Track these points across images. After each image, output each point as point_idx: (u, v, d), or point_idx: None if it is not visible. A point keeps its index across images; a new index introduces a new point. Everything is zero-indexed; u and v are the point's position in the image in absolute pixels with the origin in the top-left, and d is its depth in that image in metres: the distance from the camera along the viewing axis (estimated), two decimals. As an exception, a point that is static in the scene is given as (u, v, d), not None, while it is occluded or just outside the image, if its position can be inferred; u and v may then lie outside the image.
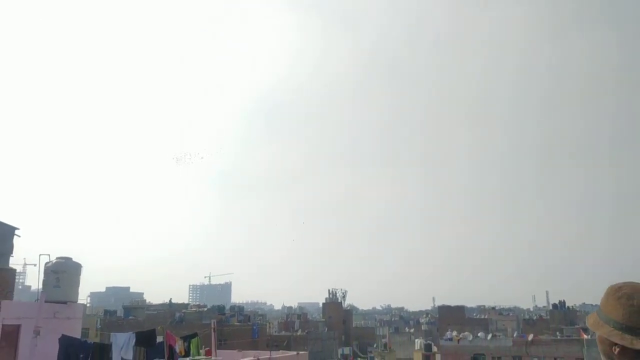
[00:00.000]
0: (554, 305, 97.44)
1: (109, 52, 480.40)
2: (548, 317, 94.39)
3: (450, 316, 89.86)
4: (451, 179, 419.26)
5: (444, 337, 59.58)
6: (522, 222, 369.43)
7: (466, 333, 58.79)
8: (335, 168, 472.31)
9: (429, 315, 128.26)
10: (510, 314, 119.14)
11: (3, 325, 14.93)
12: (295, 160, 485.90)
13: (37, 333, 13.80)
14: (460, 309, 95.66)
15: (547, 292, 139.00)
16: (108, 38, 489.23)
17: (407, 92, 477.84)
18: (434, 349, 64.11)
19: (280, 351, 27.42)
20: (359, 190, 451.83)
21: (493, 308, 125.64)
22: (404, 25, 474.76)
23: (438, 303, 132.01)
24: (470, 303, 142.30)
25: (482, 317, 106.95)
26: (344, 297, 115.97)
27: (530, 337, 56.07)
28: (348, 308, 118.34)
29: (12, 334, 15.32)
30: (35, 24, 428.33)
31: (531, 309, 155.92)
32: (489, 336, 57.86)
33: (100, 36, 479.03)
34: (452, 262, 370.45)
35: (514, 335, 65.17)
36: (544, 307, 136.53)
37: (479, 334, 58.37)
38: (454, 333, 59.45)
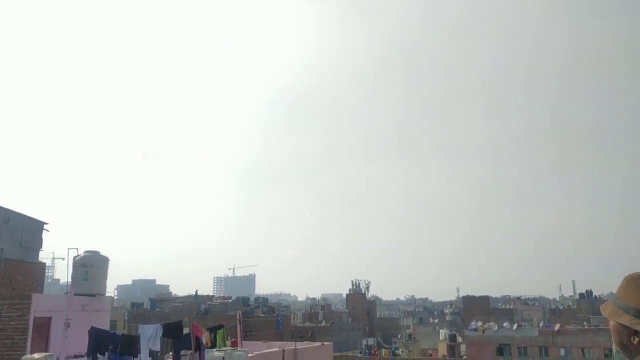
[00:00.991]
0: (581, 295, 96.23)
1: (140, 48, 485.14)
2: (575, 307, 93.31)
3: (474, 306, 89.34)
4: (473, 167, 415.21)
5: (469, 328, 59.28)
6: (547, 211, 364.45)
7: (491, 323, 58.42)
8: (356, 159, 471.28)
9: (454, 306, 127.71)
10: (536, 304, 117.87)
11: (35, 318, 15.28)
12: (317, 151, 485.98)
13: (67, 325, 14.06)
14: (485, 299, 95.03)
15: (573, 282, 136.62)
16: (134, 36, 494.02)
17: (425, 81, 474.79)
18: (459, 339, 63.92)
19: (305, 342, 27.56)
20: (381, 181, 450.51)
21: (518, 298, 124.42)
22: (420, 14, 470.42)
23: (462, 293, 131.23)
24: (495, 293, 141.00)
25: (508, 307, 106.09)
26: (367, 288, 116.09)
27: (557, 327, 55.49)
28: (372, 299, 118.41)
29: (43, 326, 15.68)
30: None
31: (557, 299, 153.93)
32: (515, 326, 57.40)
33: (131, 35, 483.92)
34: (476, 252, 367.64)
35: (540, 325, 64.61)
36: (571, 297, 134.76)
37: (504, 325, 57.94)
38: (479, 323, 59.13)
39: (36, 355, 12.03)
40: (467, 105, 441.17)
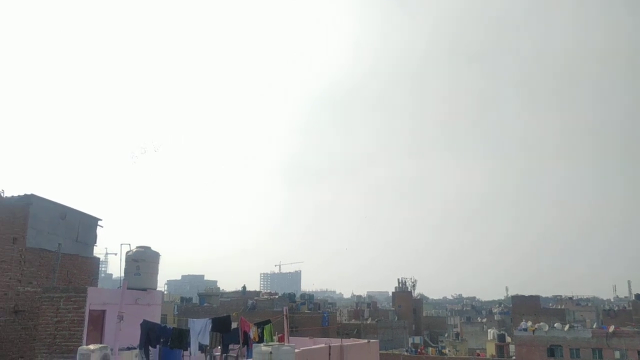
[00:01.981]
0: (637, 296, 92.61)
1: (194, 47, 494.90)
2: (631, 308, 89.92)
3: (524, 306, 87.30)
4: (519, 162, 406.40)
5: (519, 328, 57.97)
6: (601, 210, 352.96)
7: (542, 324, 56.95)
8: (400, 155, 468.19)
9: (502, 305, 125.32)
10: (589, 305, 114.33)
11: (90, 310, 15.79)
12: (361, 147, 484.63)
13: (120, 318, 14.49)
14: (535, 298, 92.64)
15: (629, 282, 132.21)
16: (184, 30, 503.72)
17: (466, 75, 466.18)
18: (508, 339, 62.60)
19: (351, 339, 27.55)
20: (425, 177, 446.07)
21: (570, 298, 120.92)
22: (461, 6, 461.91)
23: (511, 293, 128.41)
24: (545, 293, 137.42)
25: (559, 307, 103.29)
26: (413, 286, 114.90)
27: (612, 328, 53.62)
28: (418, 297, 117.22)
29: (98, 318, 16.19)
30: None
31: (612, 300, 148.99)
32: (566, 327, 55.80)
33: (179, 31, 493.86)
34: (526, 251, 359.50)
35: (593, 326, 62.57)
36: (626, 297, 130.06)
37: (555, 325, 56.40)
38: (529, 323, 57.76)
39: (91, 346, 12.42)
40: (508, 99, 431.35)
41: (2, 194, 18.53)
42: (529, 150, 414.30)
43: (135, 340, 15.40)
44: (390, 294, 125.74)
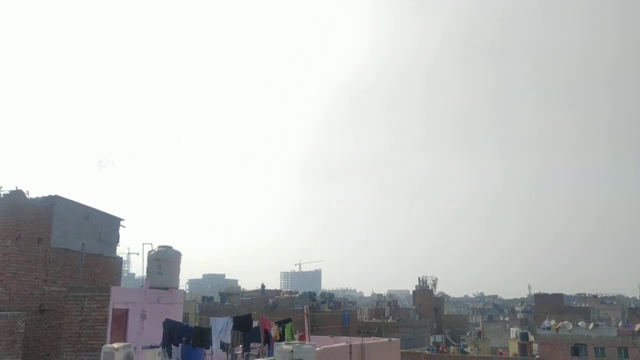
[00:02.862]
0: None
1: (208, 45, 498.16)
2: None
3: (547, 304, 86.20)
4: (541, 161, 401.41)
5: (542, 326, 57.25)
6: (624, 206, 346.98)
7: (565, 322, 56.18)
8: (417, 152, 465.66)
9: (525, 304, 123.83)
10: (614, 303, 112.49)
11: (114, 309, 16.00)
12: (380, 144, 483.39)
13: (143, 317, 14.64)
14: (558, 297, 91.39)
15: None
16: (198, 31, 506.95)
17: (482, 71, 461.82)
18: (531, 338, 61.88)
19: (372, 337, 27.49)
20: (443, 174, 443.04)
21: (594, 296, 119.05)
22: (476, 3, 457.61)
23: (534, 291, 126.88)
24: (568, 291, 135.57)
25: (582, 305, 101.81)
26: (434, 284, 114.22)
27: (638, 327, 52.70)
28: (439, 296, 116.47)
29: (121, 317, 16.39)
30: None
31: (637, 298, 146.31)
32: (591, 325, 54.97)
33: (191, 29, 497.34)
34: (548, 248, 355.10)
35: (619, 325, 61.55)
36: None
37: (579, 323, 55.60)
38: (552, 322, 57.04)
39: (115, 345, 12.58)
40: (523, 96, 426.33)
41: (27, 196, 18.83)
42: (546, 147, 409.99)
43: (158, 339, 15.55)
44: (411, 292, 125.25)
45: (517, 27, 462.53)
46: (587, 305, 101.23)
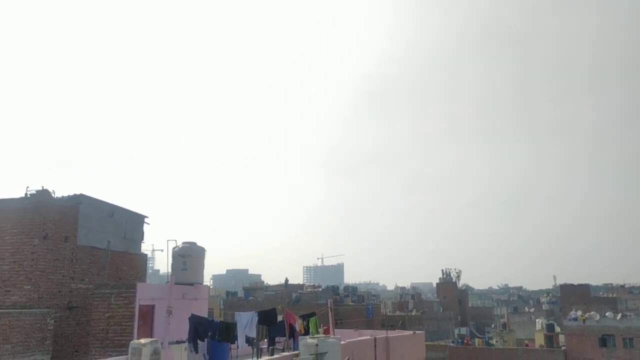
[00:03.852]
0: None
1: (226, 42, 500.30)
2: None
3: (573, 295, 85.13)
4: (560, 149, 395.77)
5: (568, 317, 56.55)
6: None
7: (592, 313, 55.42)
8: (437, 143, 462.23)
9: (550, 295, 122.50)
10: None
11: (140, 305, 16.17)
12: (400, 136, 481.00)
13: (169, 312, 14.79)
14: (585, 287, 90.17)
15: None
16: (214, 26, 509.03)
17: (500, 60, 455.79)
18: (557, 329, 61.16)
19: (396, 330, 27.44)
20: (466, 165, 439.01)
21: (622, 286, 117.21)
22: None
23: (559, 282, 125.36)
24: (595, 281, 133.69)
25: (610, 295, 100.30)
26: (458, 276, 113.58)
27: (667, 317, 51.83)
28: (463, 288, 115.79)
29: (147, 313, 16.57)
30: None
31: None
32: (619, 316, 54.14)
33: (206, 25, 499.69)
34: (573, 238, 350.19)
35: (648, 315, 60.51)
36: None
37: (606, 314, 54.79)
38: (579, 313, 56.29)
39: (142, 340, 12.71)
40: (542, 85, 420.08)
41: (53, 195, 19.13)
42: (565, 134, 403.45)
43: (184, 334, 15.69)
44: (435, 285, 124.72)
45: (533, 16, 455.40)
46: (614, 295, 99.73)
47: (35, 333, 16.62)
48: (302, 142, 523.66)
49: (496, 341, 70.14)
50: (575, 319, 54.35)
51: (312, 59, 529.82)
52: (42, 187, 18.75)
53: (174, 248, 18.23)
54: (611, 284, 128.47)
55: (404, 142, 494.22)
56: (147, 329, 16.36)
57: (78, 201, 19.67)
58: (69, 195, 19.72)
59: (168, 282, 16.83)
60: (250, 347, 17.87)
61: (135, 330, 15.82)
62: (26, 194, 18.68)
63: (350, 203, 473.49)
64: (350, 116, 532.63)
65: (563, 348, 55.22)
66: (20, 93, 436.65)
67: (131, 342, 12.92)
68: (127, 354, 12.65)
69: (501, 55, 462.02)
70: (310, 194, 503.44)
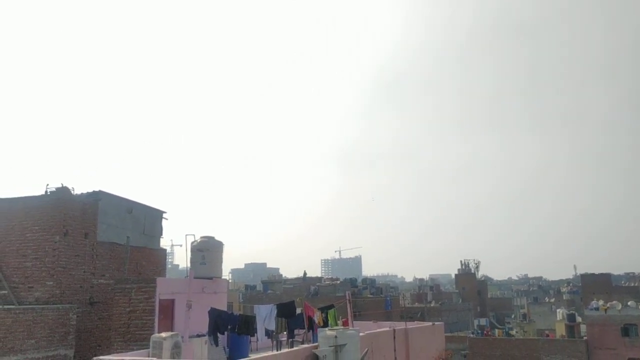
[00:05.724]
0: None
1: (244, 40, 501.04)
2: None
3: (594, 284, 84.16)
4: (578, 139, 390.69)
5: (589, 307, 55.93)
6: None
7: (614, 302, 54.73)
8: (454, 134, 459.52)
9: (571, 284, 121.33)
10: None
11: (160, 300, 16.32)
12: (415, 129, 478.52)
13: (189, 306, 14.90)
14: (606, 276, 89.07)
15: None
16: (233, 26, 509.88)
17: (512, 52, 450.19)
18: (578, 319, 60.56)
19: (415, 322, 27.37)
20: (482, 156, 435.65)
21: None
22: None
23: (580, 271, 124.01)
24: (616, 270, 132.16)
25: (632, 284, 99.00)
26: (477, 267, 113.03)
27: (691, 305, 51.02)
28: (482, 279, 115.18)
29: (167, 307, 16.72)
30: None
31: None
32: (641, 305, 53.40)
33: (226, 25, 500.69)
34: (594, 227, 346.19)
35: (671, 303, 59.58)
36: None
37: (628, 303, 54.06)
38: (600, 302, 55.64)
39: (163, 334, 12.83)
40: (555, 73, 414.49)
41: (72, 192, 19.36)
42: (580, 126, 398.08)
43: (204, 328, 15.80)
44: (453, 276, 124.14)
45: (545, 7, 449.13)
46: (636, 284, 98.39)
47: (59, 328, 16.88)
48: (319, 135, 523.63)
49: (516, 332, 69.66)
50: (597, 309, 53.74)
51: (327, 54, 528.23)
52: (62, 184, 19.00)
53: (192, 242, 18.35)
54: (633, 273, 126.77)
55: (419, 134, 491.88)
56: (168, 323, 16.50)
57: (97, 198, 19.89)
58: (88, 192, 19.95)
59: (187, 276, 16.95)
60: (269, 339, 17.95)
61: (156, 325, 15.98)
62: (46, 192, 18.94)
63: (367, 195, 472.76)
64: (365, 110, 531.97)
65: (584, 338, 54.67)
66: (39, 95, 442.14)
67: (152, 336, 13.04)
68: (148, 348, 12.78)
69: (514, 47, 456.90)
70: (327, 187, 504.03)
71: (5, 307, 15.97)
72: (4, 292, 17.89)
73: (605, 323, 51.88)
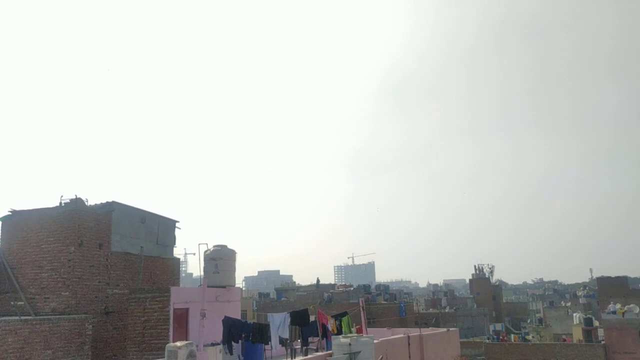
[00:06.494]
0: None
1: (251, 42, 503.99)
2: None
3: (611, 288, 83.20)
4: (591, 140, 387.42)
5: (606, 311, 55.26)
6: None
7: (632, 305, 54.04)
8: (465, 138, 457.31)
9: (587, 288, 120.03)
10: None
11: (174, 309, 16.41)
12: (426, 133, 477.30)
13: (203, 315, 14.94)
14: (623, 279, 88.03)
15: None
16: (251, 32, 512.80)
17: (520, 54, 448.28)
18: (595, 323, 59.91)
19: (430, 328, 27.25)
20: (494, 160, 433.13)
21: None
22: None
23: (596, 275, 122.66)
24: (633, 273, 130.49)
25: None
26: (491, 272, 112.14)
27: None
28: (497, 283, 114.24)
29: (182, 316, 16.81)
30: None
31: None
32: (660, 308, 52.66)
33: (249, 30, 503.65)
34: (609, 229, 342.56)
35: (690, 306, 58.73)
36: None
37: (646, 306, 53.38)
38: (618, 306, 54.99)
39: (178, 343, 12.89)
40: (563, 75, 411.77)
41: (86, 203, 19.55)
42: (589, 129, 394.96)
43: (218, 336, 15.85)
44: (467, 281, 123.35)
45: (555, 7, 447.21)
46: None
47: (75, 338, 17.01)
48: (328, 141, 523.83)
49: (532, 337, 68.99)
50: (614, 312, 53.07)
51: (335, 58, 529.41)
52: (76, 195, 19.19)
53: (205, 251, 18.44)
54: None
55: (430, 138, 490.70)
56: (182, 332, 16.58)
57: (111, 208, 20.06)
58: (101, 203, 20.13)
59: (201, 285, 17.04)
60: (283, 347, 17.96)
61: (171, 334, 16.06)
62: (61, 203, 19.15)
63: (380, 201, 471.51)
64: (374, 115, 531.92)
65: (602, 342, 54.03)
66: (52, 107, 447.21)
67: (167, 345, 13.10)
68: (163, 357, 12.84)
69: (522, 48, 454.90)
70: (339, 193, 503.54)
71: (22, 318, 16.12)
72: (20, 303, 18.07)
73: (623, 327, 51.23)
